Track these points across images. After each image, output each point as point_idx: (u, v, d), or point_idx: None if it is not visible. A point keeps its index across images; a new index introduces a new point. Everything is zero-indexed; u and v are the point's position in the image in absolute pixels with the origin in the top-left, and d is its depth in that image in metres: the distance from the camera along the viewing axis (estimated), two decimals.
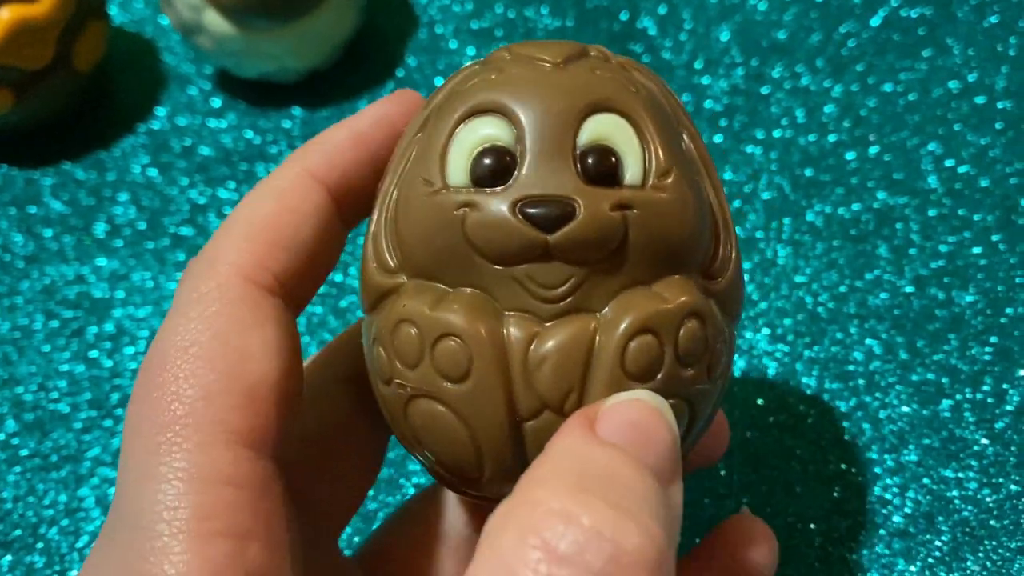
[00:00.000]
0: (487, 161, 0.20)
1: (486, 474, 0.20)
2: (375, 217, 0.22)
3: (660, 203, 0.20)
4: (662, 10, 0.43)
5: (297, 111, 0.42)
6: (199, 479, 0.19)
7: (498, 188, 0.20)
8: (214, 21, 0.39)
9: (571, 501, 0.17)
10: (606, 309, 0.20)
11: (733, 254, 0.22)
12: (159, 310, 0.37)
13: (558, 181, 0.20)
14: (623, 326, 0.19)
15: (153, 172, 0.40)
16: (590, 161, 0.20)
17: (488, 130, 0.20)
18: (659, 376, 0.19)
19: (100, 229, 0.39)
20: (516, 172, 0.20)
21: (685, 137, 0.22)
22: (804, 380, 0.33)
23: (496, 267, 0.20)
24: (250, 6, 0.38)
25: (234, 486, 0.19)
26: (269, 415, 0.20)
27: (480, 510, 0.26)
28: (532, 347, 0.19)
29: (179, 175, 0.40)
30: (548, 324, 0.20)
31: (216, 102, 0.43)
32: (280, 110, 0.42)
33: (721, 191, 0.22)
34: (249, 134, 0.41)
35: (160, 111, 0.42)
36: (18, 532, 0.33)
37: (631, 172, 0.20)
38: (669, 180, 0.20)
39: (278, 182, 0.23)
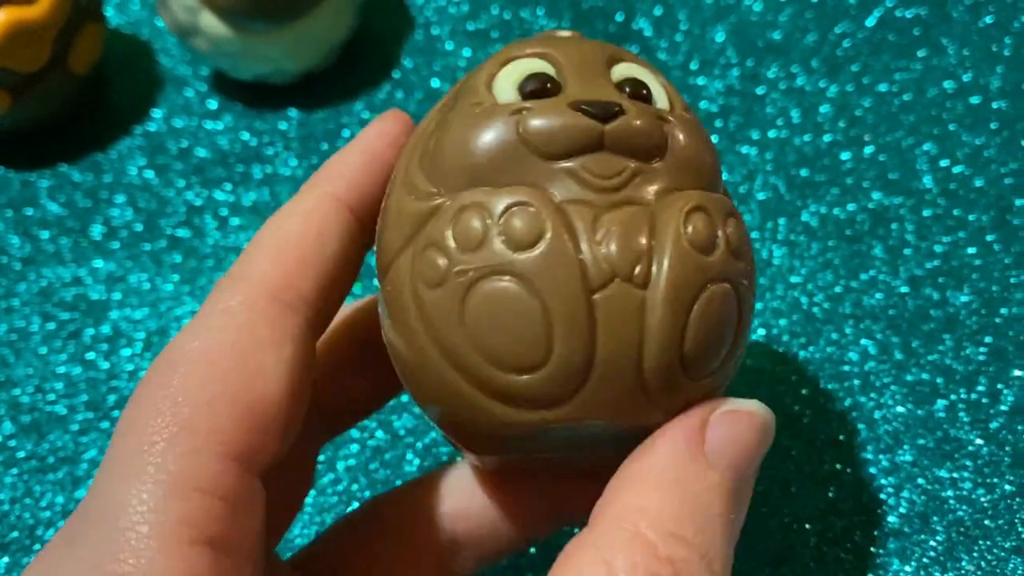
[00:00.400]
0: (531, 84, 0.21)
1: (555, 351, 0.19)
2: (401, 165, 0.22)
3: (691, 124, 0.22)
4: (658, 11, 0.43)
5: (293, 112, 0.42)
6: (187, 486, 0.19)
7: (548, 98, 0.21)
8: (210, 23, 0.39)
9: (664, 539, 0.18)
10: (657, 201, 0.20)
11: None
12: (155, 312, 0.37)
13: (603, 92, 0.21)
14: (680, 204, 0.20)
15: (150, 174, 0.41)
16: (627, 88, 0.21)
17: (533, 64, 0.22)
18: (716, 253, 0.20)
19: (97, 231, 0.39)
20: (563, 92, 0.21)
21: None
22: (800, 380, 0.33)
23: (551, 164, 0.20)
24: (246, 9, 0.38)
25: (220, 498, 0.19)
26: (267, 434, 0.20)
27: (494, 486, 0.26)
28: (598, 220, 0.20)
29: (176, 177, 0.40)
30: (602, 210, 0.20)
31: (212, 104, 0.43)
32: (276, 112, 0.42)
33: None
34: (245, 136, 0.41)
35: (156, 113, 0.42)
36: (15, 534, 0.33)
37: (660, 102, 0.22)
38: (691, 115, 0.22)
39: (304, 205, 0.23)
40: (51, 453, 0.34)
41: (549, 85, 0.21)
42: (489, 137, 0.21)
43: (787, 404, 0.33)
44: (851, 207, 0.37)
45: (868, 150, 0.38)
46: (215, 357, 0.20)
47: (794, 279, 0.36)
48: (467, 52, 0.43)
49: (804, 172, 0.38)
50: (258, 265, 0.22)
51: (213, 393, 0.20)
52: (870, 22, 0.42)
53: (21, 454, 0.34)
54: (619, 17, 0.43)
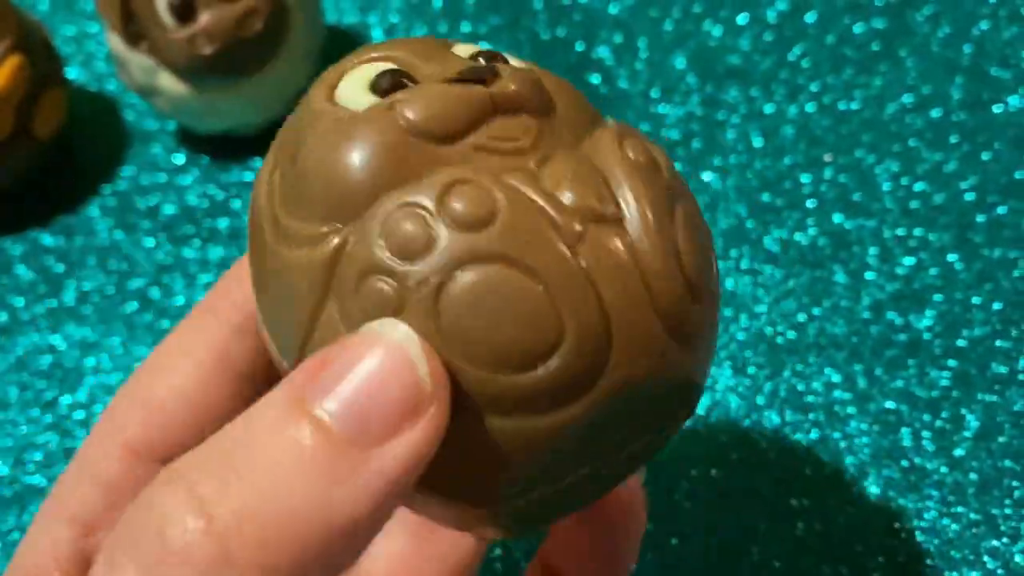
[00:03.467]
0: (389, 77, 0.18)
1: (568, 325, 0.16)
2: (261, 205, 0.19)
3: (551, 75, 0.19)
4: (618, 38, 0.43)
5: (259, 163, 0.42)
6: (80, 475, 0.22)
7: (409, 89, 0.18)
8: (168, 83, 0.39)
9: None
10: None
11: None
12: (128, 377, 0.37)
13: (458, 67, 0.18)
14: (606, 137, 0.18)
15: (119, 234, 0.41)
16: (480, 59, 0.19)
17: (376, 67, 0.19)
18: (664, 170, 0.18)
19: (69, 296, 0.40)
20: (416, 80, 0.18)
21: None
22: (766, 414, 0.34)
23: (452, 146, 0.17)
24: (200, 67, 0.38)
25: (99, 486, 0.21)
26: (164, 427, 0.22)
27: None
28: (537, 181, 0.17)
29: (144, 236, 0.41)
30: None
31: (179, 158, 0.43)
32: (242, 163, 0.42)
33: None
34: (212, 190, 0.42)
35: (125, 171, 0.43)
36: None
37: (513, 64, 0.19)
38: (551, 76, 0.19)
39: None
40: None
41: (404, 79, 0.18)
42: (370, 142, 0.17)
43: (754, 439, 0.33)
44: (812, 231, 0.37)
45: (828, 171, 0.38)
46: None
47: (758, 308, 0.36)
48: None
49: (766, 197, 0.38)
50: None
51: (122, 395, 0.22)
52: (829, 39, 0.42)
53: (4, 528, 0.35)
54: (579, 47, 0.43)
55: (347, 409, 0.15)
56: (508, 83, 0.18)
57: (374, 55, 0.19)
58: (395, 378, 0.15)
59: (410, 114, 0.17)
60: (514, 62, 0.19)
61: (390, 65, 0.18)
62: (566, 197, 0.17)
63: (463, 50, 0.19)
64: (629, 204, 0.17)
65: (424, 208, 0.16)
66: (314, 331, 0.17)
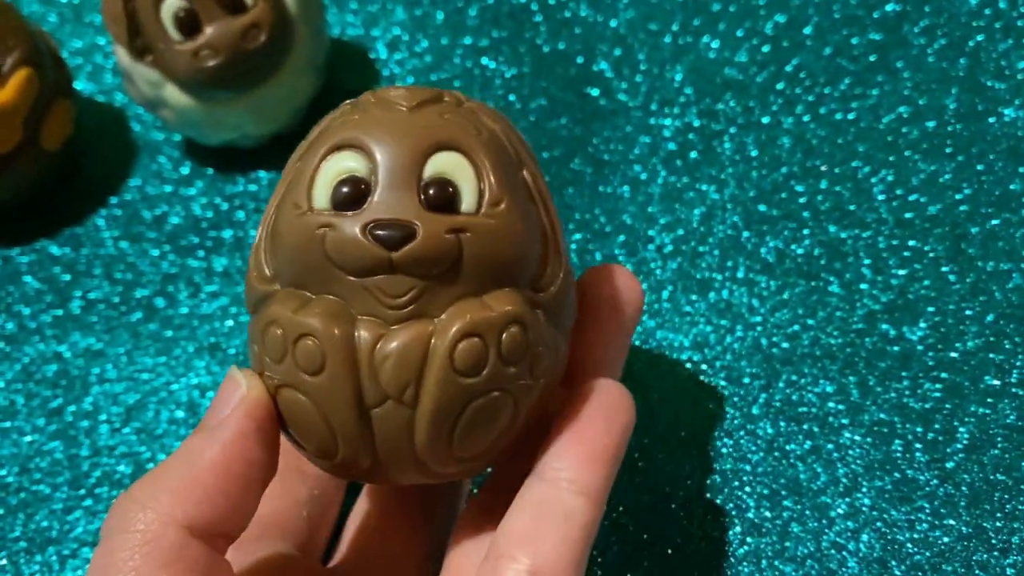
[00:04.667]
0: (345, 189, 0.24)
1: (340, 453, 0.24)
2: (259, 233, 0.26)
3: (490, 228, 0.24)
4: (617, 51, 0.44)
5: (263, 174, 0.43)
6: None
7: (353, 212, 0.24)
8: (174, 95, 0.40)
9: None
10: (443, 316, 0.24)
11: (561, 272, 0.25)
12: (134, 386, 0.38)
13: (403, 207, 0.23)
14: (453, 330, 0.23)
15: (125, 244, 0.42)
16: (431, 191, 0.24)
17: (348, 163, 0.24)
18: (484, 372, 0.23)
19: (76, 305, 0.40)
20: (369, 199, 0.24)
21: (524, 172, 0.25)
22: (760, 424, 0.34)
23: (351, 278, 0.23)
24: (206, 81, 0.39)
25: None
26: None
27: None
28: (378, 347, 0.23)
29: (150, 246, 0.41)
30: (393, 327, 0.23)
31: (185, 169, 0.44)
32: (246, 174, 0.43)
33: (556, 219, 0.26)
34: (217, 200, 0.42)
35: (131, 182, 0.43)
36: None
37: (467, 201, 0.24)
38: (500, 208, 0.24)
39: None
40: (38, 533, 0.35)
41: (358, 190, 0.24)
42: (303, 248, 0.24)
43: (746, 449, 0.33)
44: (808, 242, 0.37)
45: (824, 182, 0.38)
46: None
47: (754, 319, 0.36)
48: None
49: (762, 207, 0.38)
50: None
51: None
52: (827, 51, 0.42)
53: (9, 535, 0.35)
54: (579, 59, 0.44)
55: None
56: (413, 250, 0.23)
57: (359, 139, 0.24)
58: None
59: (329, 245, 0.23)
60: (472, 195, 0.24)
61: (358, 169, 0.24)
62: (385, 373, 0.23)
63: (433, 165, 0.24)
64: (425, 398, 0.23)
65: (288, 339, 0.24)
66: (256, 310, 0.26)
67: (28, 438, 0.37)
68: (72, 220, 0.43)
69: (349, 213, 0.23)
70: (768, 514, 0.32)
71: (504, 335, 0.23)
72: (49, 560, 0.35)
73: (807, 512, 0.32)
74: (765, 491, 0.33)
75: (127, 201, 0.43)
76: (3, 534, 0.35)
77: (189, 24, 0.38)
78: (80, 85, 0.46)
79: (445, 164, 0.24)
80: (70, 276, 0.41)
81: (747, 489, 0.33)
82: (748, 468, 0.33)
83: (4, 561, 0.35)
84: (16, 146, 0.40)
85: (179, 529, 0.23)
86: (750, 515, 0.32)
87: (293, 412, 0.25)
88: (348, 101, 0.26)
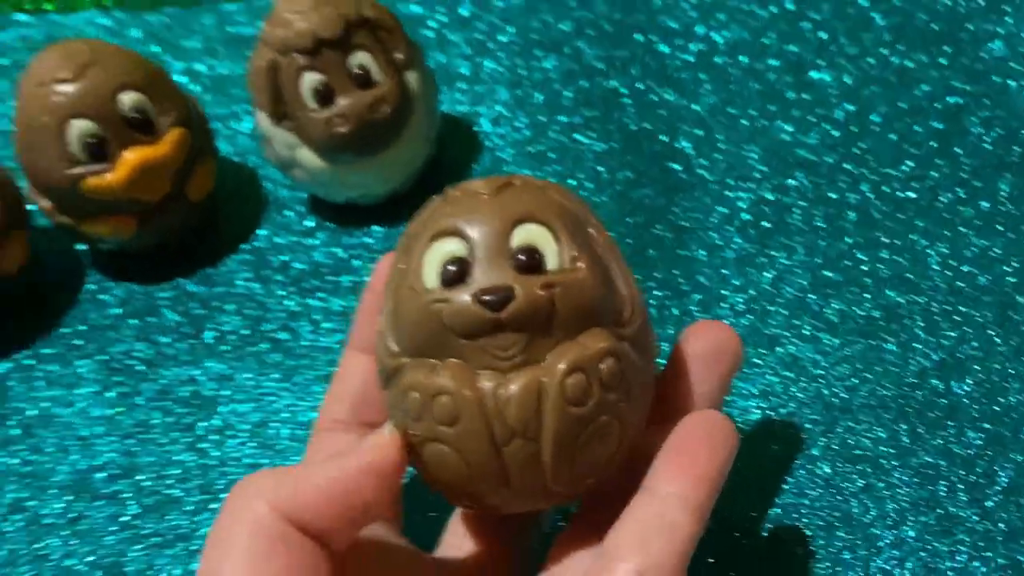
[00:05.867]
0: (451, 268, 0.28)
1: (480, 490, 0.28)
2: (381, 320, 0.30)
3: (573, 280, 0.28)
4: (699, 132, 0.49)
5: (378, 229, 0.48)
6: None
7: (460, 286, 0.28)
8: (307, 157, 0.46)
9: None
10: (548, 359, 0.27)
11: (638, 309, 0.29)
12: (258, 406, 0.43)
13: (501, 275, 0.27)
14: (560, 369, 0.27)
15: (255, 285, 0.47)
16: (521, 258, 0.28)
17: (449, 247, 0.28)
18: (591, 401, 0.27)
19: (209, 335, 0.46)
20: (471, 273, 0.28)
21: (590, 229, 0.30)
22: (819, 464, 0.37)
23: (467, 341, 0.27)
24: (337, 146, 0.45)
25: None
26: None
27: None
28: (500, 393, 0.27)
29: (276, 287, 0.47)
30: (509, 375, 0.27)
31: (309, 223, 0.49)
32: (363, 228, 0.48)
33: (624, 264, 0.30)
34: (336, 250, 0.48)
35: (261, 232, 0.49)
36: None
37: (551, 261, 0.28)
38: (578, 262, 0.28)
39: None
40: (170, 531, 0.40)
41: (462, 266, 0.28)
42: (423, 323, 0.28)
43: (805, 485, 0.37)
44: (868, 304, 0.41)
45: (885, 252, 0.42)
46: None
47: (816, 372, 0.40)
48: (527, 171, 0.49)
49: (827, 273, 0.43)
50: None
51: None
52: (892, 136, 0.46)
53: (145, 531, 0.40)
54: (663, 137, 0.49)
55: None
56: (515, 308, 0.27)
57: (456, 227, 0.28)
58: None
59: (446, 318, 0.27)
60: (555, 257, 0.28)
61: (459, 251, 0.28)
62: (508, 413, 0.27)
63: (520, 236, 0.28)
64: (546, 431, 0.27)
65: (426, 397, 0.28)
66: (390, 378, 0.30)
67: (164, 448, 0.42)
68: (208, 263, 0.48)
69: (457, 288, 0.27)
70: (822, 542, 0.35)
71: (602, 366, 0.27)
72: (179, 554, 0.39)
73: (858, 542, 0.35)
74: (820, 523, 0.36)
75: (257, 248, 0.48)
76: (140, 530, 0.40)
77: (325, 96, 0.44)
78: (220, 147, 0.52)
79: (528, 234, 0.28)
80: (205, 311, 0.47)
81: (804, 520, 0.36)
82: (807, 502, 0.37)
83: (139, 553, 0.40)
84: (166, 196, 0.46)
85: (284, 520, 0.27)
86: (806, 543, 0.36)
87: (436, 461, 0.28)
88: (436, 197, 0.30)
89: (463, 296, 0.27)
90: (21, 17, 0.60)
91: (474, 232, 0.28)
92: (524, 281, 0.27)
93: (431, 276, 0.28)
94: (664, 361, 0.32)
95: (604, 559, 0.26)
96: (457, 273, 0.28)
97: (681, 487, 0.27)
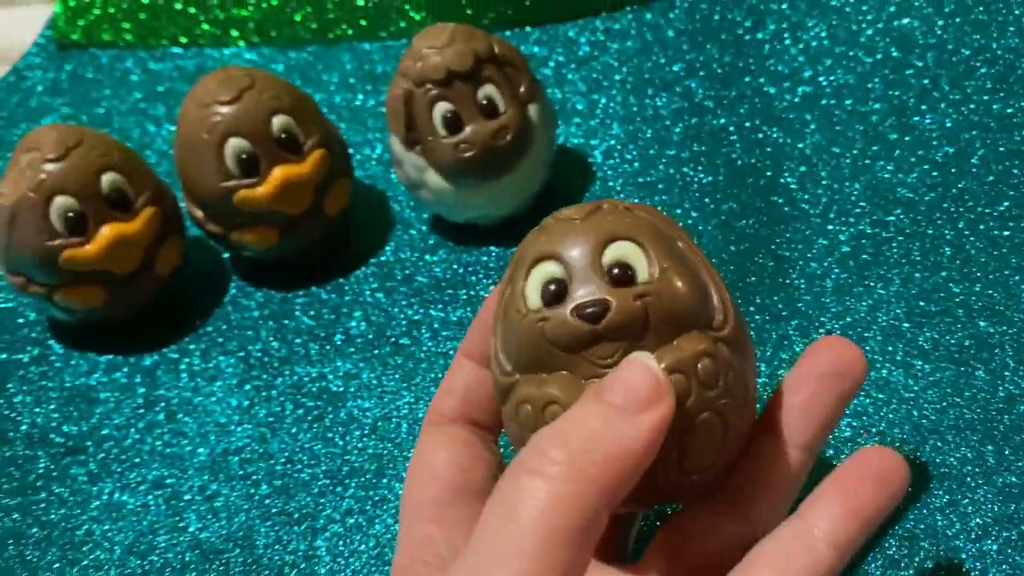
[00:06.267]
0: (552, 287, 0.30)
1: None
2: (492, 343, 0.32)
3: (664, 289, 0.30)
4: (803, 168, 0.51)
5: (494, 249, 0.52)
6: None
7: (560, 304, 0.30)
8: (434, 179, 0.50)
9: None
10: None
11: (732, 313, 0.31)
12: (380, 403, 0.46)
13: (596, 290, 0.29)
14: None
15: (380, 295, 0.51)
16: (614, 272, 0.30)
17: (548, 269, 0.30)
18: (691, 400, 0.29)
19: (338, 338, 0.50)
20: (570, 291, 0.30)
21: (679, 243, 0.31)
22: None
23: (570, 354, 0.30)
24: (462, 169, 0.49)
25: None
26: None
27: None
28: None
29: (400, 298, 0.51)
30: None
31: (431, 241, 0.53)
32: (481, 248, 0.52)
33: (716, 274, 0.32)
34: (455, 266, 0.51)
35: (388, 248, 0.53)
36: (266, 573, 0.42)
37: (641, 274, 0.30)
38: (667, 273, 0.30)
39: None
40: (297, 510, 0.44)
41: (561, 286, 0.30)
42: (529, 341, 0.30)
43: None
44: (960, 334, 0.43)
45: (978, 286, 0.44)
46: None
47: (907, 395, 0.42)
48: (636, 201, 0.52)
49: (922, 303, 0.45)
50: None
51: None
52: (989, 178, 0.48)
53: (274, 510, 0.44)
54: (768, 173, 0.52)
55: (622, 395, 0.28)
56: (611, 320, 0.29)
57: (554, 252, 0.30)
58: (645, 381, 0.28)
59: (549, 334, 0.30)
60: (645, 269, 0.30)
61: (557, 273, 0.30)
62: None
63: (611, 254, 0.30)
64: None
65: (537, 408, 0.30)
66: (506, 397, 0.32)
67: (294, 437, 0.46)
68: (340, 273, 0.53)
69: (558, 305, 0.30)
70: (906, 551, 0.37)
71: (699, 366, 0.29)
72: (305, 531, 0.43)
73: (941, 552, 0.37)
74: (906, 534, 0.38)
75: (383, 262, 0.53)
76: (270, 508, 0.44)
77: (454, 123, 0.48)
78: (354, 170, 0.57)
79: (619, 251, 0.30)
80: (334, 316, 0.51)
81: (889, 531, 0.38)
82: (893, 517, 0.39)
83: (268, 528, 0.43)
84: (306, 210, 0.50)
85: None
86: (890, 552, 0.38)
87: None
88: (534, 229, 0.32)
89: (564, 313, 0.29)
90: (177, 50, 0.66)
91: (569, 254, 0.30)
92: (618, 294, 0.29)
93: (534, 297, 0.30)
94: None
95: (745, 563, 0.28)
96: (556, 292, 0.30)
97: (831, 522, 0.28)
